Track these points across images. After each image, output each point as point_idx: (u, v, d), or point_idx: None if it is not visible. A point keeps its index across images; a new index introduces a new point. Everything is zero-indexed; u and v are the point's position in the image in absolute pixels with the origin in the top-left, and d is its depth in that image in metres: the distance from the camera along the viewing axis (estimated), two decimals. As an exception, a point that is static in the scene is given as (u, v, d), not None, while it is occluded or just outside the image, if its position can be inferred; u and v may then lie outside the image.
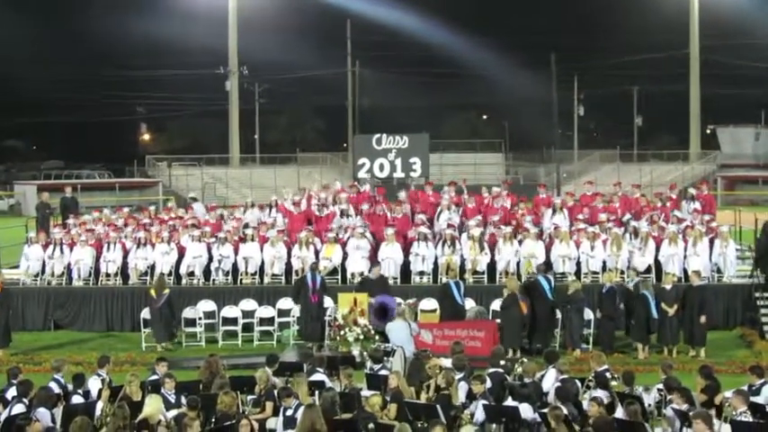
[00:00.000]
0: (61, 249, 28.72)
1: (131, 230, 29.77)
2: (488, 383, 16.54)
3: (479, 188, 33.45)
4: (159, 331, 25.79)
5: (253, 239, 28.40)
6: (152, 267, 28.39)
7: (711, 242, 27.55)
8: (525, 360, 18.84)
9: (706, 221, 28.62)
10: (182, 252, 28.59)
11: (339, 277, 27.96)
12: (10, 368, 18.20)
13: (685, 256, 27.06)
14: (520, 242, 27.81)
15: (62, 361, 18.60)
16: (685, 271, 26.69)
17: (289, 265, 28.12)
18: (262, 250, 28.27)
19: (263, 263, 28.22)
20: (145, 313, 26.42)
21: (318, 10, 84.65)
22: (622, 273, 27.08)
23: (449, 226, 28.80)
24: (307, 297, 25.42)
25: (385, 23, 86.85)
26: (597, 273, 27.16)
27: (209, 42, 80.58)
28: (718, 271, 27.57)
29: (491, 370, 17.56)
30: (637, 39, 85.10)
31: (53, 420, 15.67)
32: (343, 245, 28.32)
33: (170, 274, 28.04)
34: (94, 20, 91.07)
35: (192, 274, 28.33)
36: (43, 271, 28.93)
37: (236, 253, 28.36)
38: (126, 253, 28.77)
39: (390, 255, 27.67)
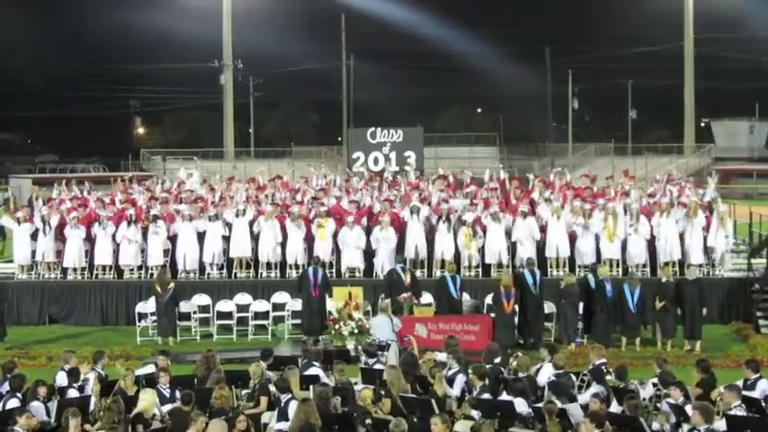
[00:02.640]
0: (49, 226, 28.37)
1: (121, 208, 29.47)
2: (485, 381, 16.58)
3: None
4: (162, 325, 25.77)
5: (245, 214, 28.27)
6: (144, 260, 28.33)
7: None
8: (520, 354, 18.84)
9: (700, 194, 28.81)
10: (172, 235, 28.46)
11: (334, 271, 27.94)
12: (5, 362, 18.18)
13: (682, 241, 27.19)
14: (509, 233, 27.74)
15: (71, 353, 18.65)
16: (681, 263, 26.85)
17: (283, 260, 28.05)
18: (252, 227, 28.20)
19: (256, 255, 28.20)
20: (140, 307, 26.42)
21: (313, 3, 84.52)
22: (618, 266, 27.19)
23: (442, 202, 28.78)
24: (308, 291, 25.38)
25: (380, 17, 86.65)
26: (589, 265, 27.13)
27: (204, 36, 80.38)
28: (713, 266, 27.62)
29: (487, 366, 17.54)
30: (631, 32, 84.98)
31: (48, 414, 15.67)
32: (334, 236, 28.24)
33: (164, 267, 27.97)
34: (89, 13, 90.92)
35: (187, 271, 28.26)
36: (33, 255, 28.76)
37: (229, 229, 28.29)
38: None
39: (387, 239, 27.59)
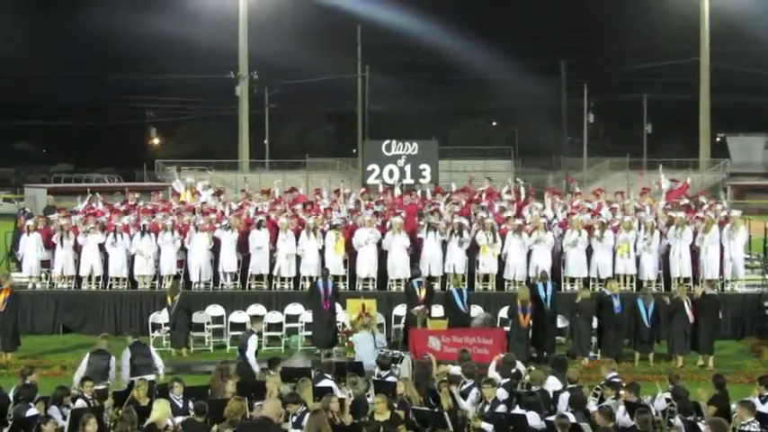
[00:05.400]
0: (67, 236, 28.44)
1: (134, 218, 29.50)
2: (504, 395, 16.56)
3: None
4: (174, 336, 25.84)
5: (260, 227, 28.28)
6: (158, 269, 28.35)
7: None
8: (533, 368, 18.83)
9: (718, 210, 28.65)
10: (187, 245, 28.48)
11: (348, 283, 27.95)
12: (22, 369, 18.30)
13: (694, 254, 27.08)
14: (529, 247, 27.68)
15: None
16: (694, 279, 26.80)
17: (298, 272, 28.06)
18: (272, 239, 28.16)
19: (270, 267, 28.23)
20: (154, 317, 26.48)
21: (329, 15, 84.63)
22: (632, 281, 27.15)
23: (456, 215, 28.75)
24: (319, 304, 25.37)
25: (395, 29, 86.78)
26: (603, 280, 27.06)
27: (220, 47, 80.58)
28: (727, 281, 27.55)
29: (503, 381, 17.53)
30: (647, 46, 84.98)
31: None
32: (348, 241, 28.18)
33: (177, 277, 28.05)
34: (105, 23, 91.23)
35: (200, 282, 28.28)
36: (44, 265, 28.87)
37: (244, 242, 28.24)
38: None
39: (400, 243, 27.60)
